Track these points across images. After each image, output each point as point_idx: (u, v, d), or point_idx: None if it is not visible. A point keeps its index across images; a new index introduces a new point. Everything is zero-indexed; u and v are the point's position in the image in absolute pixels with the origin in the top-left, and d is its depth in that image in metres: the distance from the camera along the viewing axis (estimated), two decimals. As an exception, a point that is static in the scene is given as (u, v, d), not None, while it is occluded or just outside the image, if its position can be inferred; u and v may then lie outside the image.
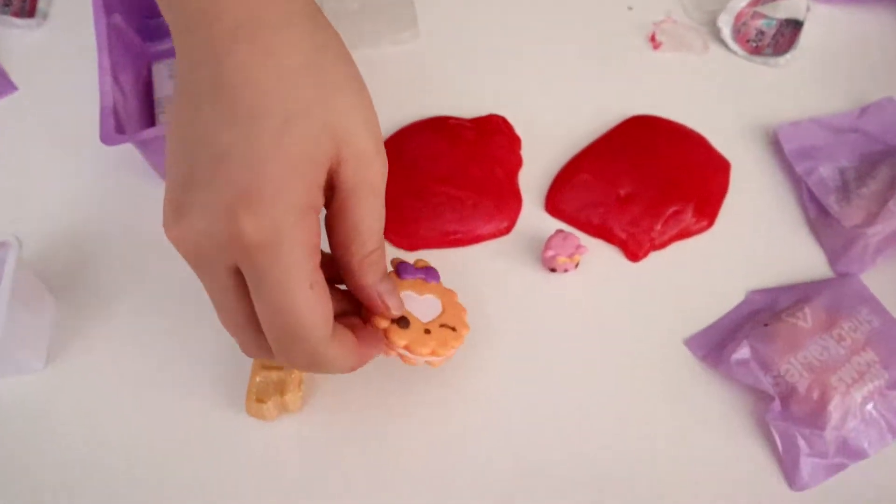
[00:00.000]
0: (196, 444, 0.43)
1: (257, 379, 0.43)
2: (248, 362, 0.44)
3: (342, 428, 0.43)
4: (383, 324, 0.38)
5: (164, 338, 0.46)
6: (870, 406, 0.42)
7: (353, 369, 0.36)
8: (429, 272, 0.42)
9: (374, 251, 0.35)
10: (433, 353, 0.39)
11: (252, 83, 0.31)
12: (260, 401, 0.42)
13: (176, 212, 0.31)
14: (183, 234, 0.31)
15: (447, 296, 0.42)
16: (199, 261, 0.32)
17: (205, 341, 0.45)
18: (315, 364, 0.34)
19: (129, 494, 0.42)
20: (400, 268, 0.41)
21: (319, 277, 0.33)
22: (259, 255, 0.30)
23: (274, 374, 0.43)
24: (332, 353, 0.34)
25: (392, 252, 0.49)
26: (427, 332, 0.39)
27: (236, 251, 0.31)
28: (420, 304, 0.40)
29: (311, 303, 0.32)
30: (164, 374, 0.45)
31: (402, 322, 0.38)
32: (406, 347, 0.38)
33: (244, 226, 0.30)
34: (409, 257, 0.48)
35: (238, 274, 0.32)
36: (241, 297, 0.33)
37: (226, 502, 0.41)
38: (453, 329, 0.40)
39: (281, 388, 0.42)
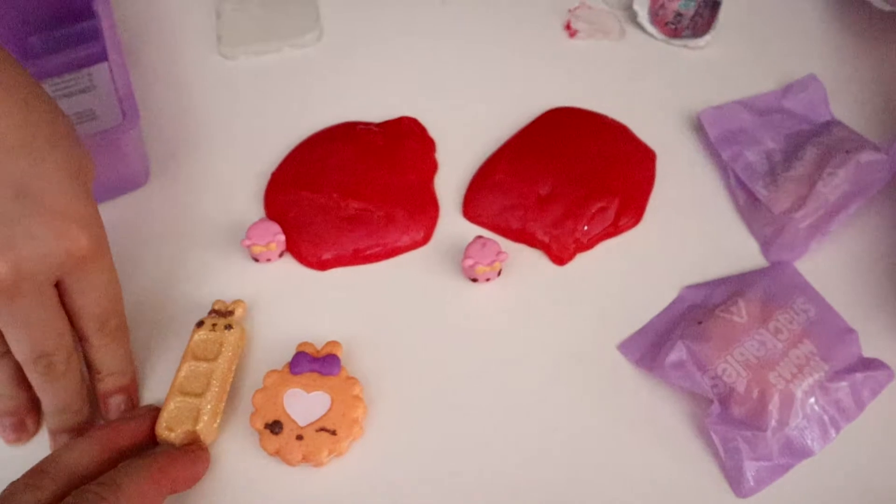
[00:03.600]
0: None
1: (171, 405, 0.39)
2: (166, 385, 0.40)
3: (257, 462, 0.40)
4: (257, 425, 0.39)
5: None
6: (811, 401, 0.40)
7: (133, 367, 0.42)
8: (326, 363, 0.40)
9: None
10: (304, 460, 0.38)
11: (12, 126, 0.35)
12: (169, 429, 0.38)
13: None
14: (17, 264, 0.34)
15: (343, 389, 0.40)
16: (25, 283, 0.35)
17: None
18: (123, 339, 0.40)
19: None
20: (294, 360, 0.40)
21: None
22: (93, 261, 0.37)
23: (190, 401, 0.39)
24: (127, 334, 0.41)
25: (302, 273, 0.45)
26: (300, 437, 0.38)
27: (70, 263, 0.36)
28: (305, 403, 0.39)
29: (118, 283, 0.39)
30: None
31: (275, 427, 0.39)
32: (276, 453, 0.38)
33: (80, 239, 0.36)
34: (320, 279, 0.45)
35: (56, 287, 0.36)
36: (60, 306, 0.37)
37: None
38: (333, 433, 0.38)
39: (195, 418, 0.39)
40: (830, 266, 0.46)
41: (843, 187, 0.45)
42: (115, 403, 0.41)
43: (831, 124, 0.49)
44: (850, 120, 0.50)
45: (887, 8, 0.52)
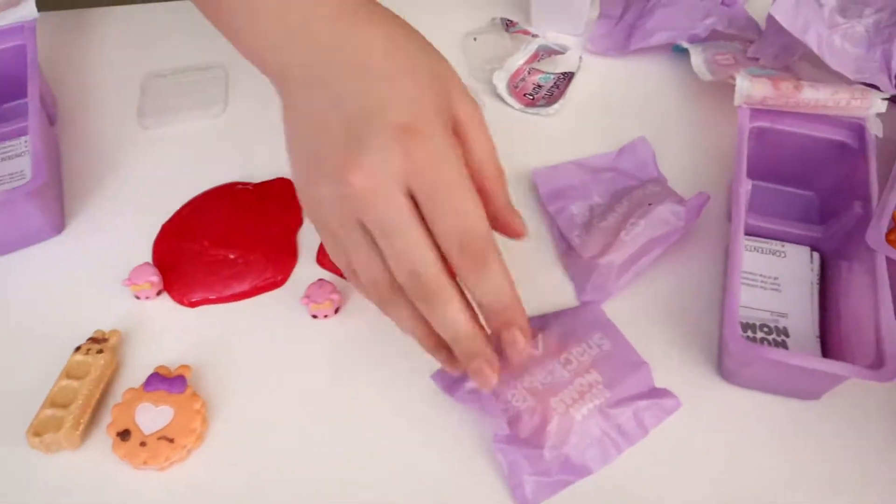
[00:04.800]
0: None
1: (42, 414, 0.47)
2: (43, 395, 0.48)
3: (111, 465, 0.46)
4: (111, 433, 0.46)
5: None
6: (591, 424, 0.45)
7: (512, 294, 0.40)
8: (174, 382, 0.48)
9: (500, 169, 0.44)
10: (145, 464, 0.45)
11: (377, 56, 0.40)
12: (36, 434, 0.46)
13: (351, 158, 0.38)
14: (366, 173, 0.37)
15: (186, 405, 0.47)
16: (379, 193, 0.38)
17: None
18: (490, 263, 0.39)
19: None
20: (148, 379, 0.48)
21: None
22: (432, 170, 0.38)
23: (58, 412, 0.47)
24: (497, 257, 0.39)
25: (174, 309, 0.53)
26: (143, 444, 0.46)
27: (412, 172, 0.37)
28: (152, 415, 0.47)
29: (477, 199, 0.39)
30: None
31: (125, 434, 0.46)
32: (124, 457, 0.46)
33: (416, 150, 0.37)
34: (190, 315, 0.53)
35: (411, 198, 0.38)
36: (416, 216, 0.38)
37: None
38: (171, 440, 0.45)
39: (58, 426, 0.46)
40: (635, 305, 0.51)
41: (643, 235, 0.51)
42: (507, 340, 0.40)
43: (651, 181, 0.55)
44: (675, 176, 0.56)
45: (709, 78, 0.58)
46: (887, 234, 0.49)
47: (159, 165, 0.61)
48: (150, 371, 0.49)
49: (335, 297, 0.50)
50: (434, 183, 0.38)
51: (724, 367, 0.48)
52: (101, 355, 0.49)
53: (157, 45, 0.68)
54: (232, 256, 0.53)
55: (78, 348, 0.50)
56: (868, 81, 0.56)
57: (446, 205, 0.38)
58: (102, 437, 0.48)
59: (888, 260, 0.47)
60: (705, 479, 0.46)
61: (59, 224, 0.57)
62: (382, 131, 0.38)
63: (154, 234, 0.56)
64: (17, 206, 0.52)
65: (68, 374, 0.49)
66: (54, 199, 0.56)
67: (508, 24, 0.66)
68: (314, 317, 0.51)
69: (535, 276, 0.53)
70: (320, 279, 0.51)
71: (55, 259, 0.56)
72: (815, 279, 0.51)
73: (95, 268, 0.55)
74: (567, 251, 0.53)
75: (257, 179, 0.59)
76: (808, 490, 0.45)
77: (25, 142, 0.60)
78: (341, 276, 0.53)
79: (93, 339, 0.50)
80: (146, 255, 0.55)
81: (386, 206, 0.38)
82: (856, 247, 0.49)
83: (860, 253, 0.49)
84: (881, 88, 0.55)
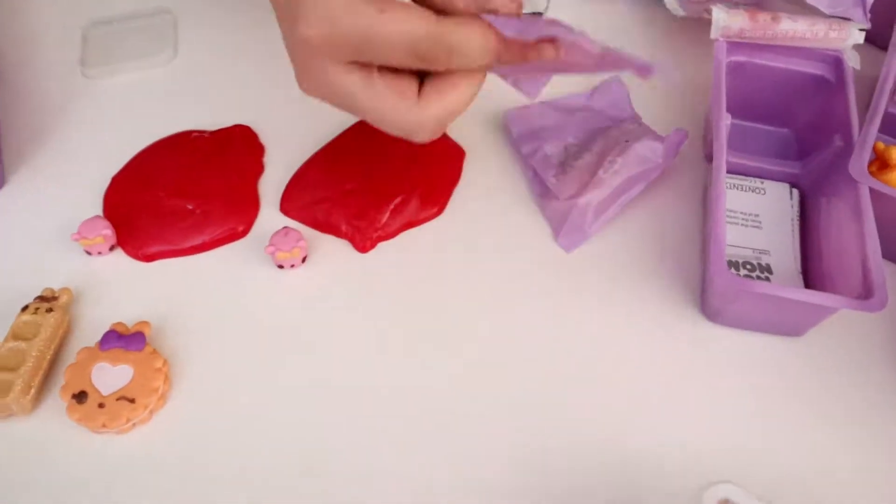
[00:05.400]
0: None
1: None
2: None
3: (67, 431, 0.43)
4: (65, 397, 0.43)
5: None
6: None
7: (495, 55, 0.38)
8: (132, 339, 0.45)
9: None
10: (104, 426, 0.42)
11: None
12: None
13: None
14: (293, 50, 0.39)
15: (146, 363, 0.44)
16: (316, 70, 0.39)
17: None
18: (452, 53, 0.37)
19: None
20: (104, 337, 0.45)
21: (384, 4, 0.36)
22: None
23: (5, 376, 0.43)
24: (455, 39, 0.37)
25: (129, 265, 0.50)
26: (101, 405, 0.42)
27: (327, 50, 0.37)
28: (109, 375, 0.44)
29: (390, 20, 0.36)
30: None
31: (81, 397, 0.43)
32: (80, 421, 0.42)
33: (305, 34, 0.37)
34: (147, 269, 0.49)
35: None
36: (364, 76, 0.38)
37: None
38: (132, 401, 0.42)
39: (6, 390, 0.43)
40: (614, 246, 0.50)
41: (622, 173, 0.49)
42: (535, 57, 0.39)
43: (627, 119, 0.54)
44: (650, 114, 0.55)
45: (682, 13, 0.56)
46: (868, 166, 0.48)
47: (107, 116, 0.57)
48: (104, 329, 0.46)
49: (302, 244, 0.48)
50: (357, 54, 0.37)
51: (707, 307, 0.47)
52: (50, 314, 0.46)
53: (99, -10, 0.64)
54: (189, 207, 0.50)
55: (25, 308, 0.46)
56: (843, 15, 0.55)
57: (374, 54, 0.37)
58: (56, 401, 0.44)
59: (870, 191, 0.46)
60: (689, 419, 0.44)
61: (-3, 179, 0.53)
62: (294, 44, 0.38)
63: (104, 186, 0.53)
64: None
65: (15, 335, 0.45)
66: (-10, 153, 0.53)
67: (473, -35, 0.63)
68: (280, 267, 0.49)
69: (509, 220, 0.51)
70: (285, 227, 0.48)
71: (-4, 215, 0.52)
72: (796, 215, 0.50)
73: (41, 223, 0.51)
74: (543, 193, 0.51)
75: (214, 127, 0.55)
76: (792, 426, 0.44)
77: (-40, 94, 0.56)
78: (307, 223, 0.51)
79: (41, 298, 0.47)
80: (97, 209, 0.52)
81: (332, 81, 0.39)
82: (836, 181, 0.48)
83: (840, 187, 0.48)
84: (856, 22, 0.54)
